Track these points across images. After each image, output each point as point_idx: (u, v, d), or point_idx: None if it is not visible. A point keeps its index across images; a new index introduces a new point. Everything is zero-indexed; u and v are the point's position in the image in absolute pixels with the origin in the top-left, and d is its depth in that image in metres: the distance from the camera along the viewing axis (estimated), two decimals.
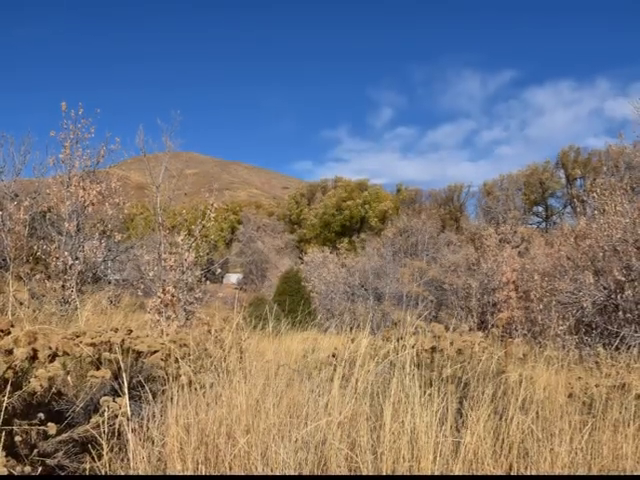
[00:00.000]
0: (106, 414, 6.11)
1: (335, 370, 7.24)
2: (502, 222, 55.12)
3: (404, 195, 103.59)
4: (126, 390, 6.51)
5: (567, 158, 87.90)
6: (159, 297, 16.27)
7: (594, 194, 22.78)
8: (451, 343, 8.93)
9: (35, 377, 5.86)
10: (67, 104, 19.58)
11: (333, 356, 9.34)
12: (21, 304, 15.59)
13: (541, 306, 25.68)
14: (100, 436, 5.85)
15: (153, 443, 6.12)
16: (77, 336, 7.33)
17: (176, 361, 7.77)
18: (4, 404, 5.43)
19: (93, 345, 7.26)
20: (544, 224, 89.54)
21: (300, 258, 72.95)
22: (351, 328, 9.76)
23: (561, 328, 21.90)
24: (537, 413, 6.94)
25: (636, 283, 19.91)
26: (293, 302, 32.45)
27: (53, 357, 6.28)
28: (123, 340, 7.67)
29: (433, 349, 8.84)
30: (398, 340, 8.71)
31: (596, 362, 11.91)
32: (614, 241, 20.75)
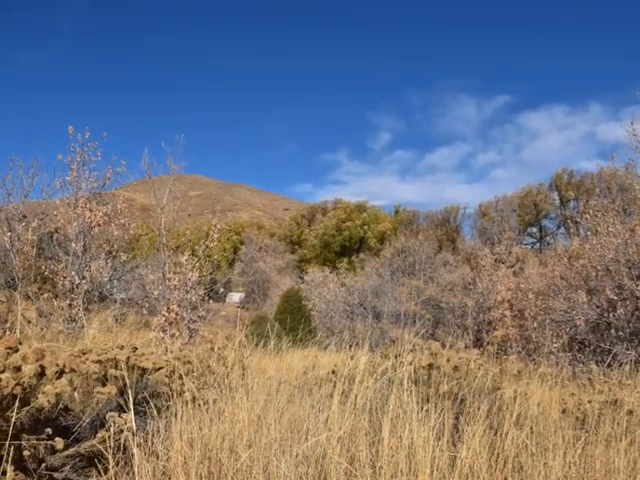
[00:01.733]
0: (112, 429, 6.12)
1: (335, 386, 7.24)
2: (497, 243, 55.11)
3: (402, 216, 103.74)
4: (131, 406, 6.52)
5: (561, 180, 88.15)
6: (164, 315, 16.28)
7: (587, 215, 22.85)
8: (448, 360, 8.93)
9: (43, 393, 5.87)
10: (74, 128, 19.67)
11: (333, 373, 9.34)
12: (29, 322, 15.59)
13: (535, 324, 25.75)
14: (106, 450, 5.86)
15: (158, 457, 6.12)
16: (84, 353, 7.35)
17: (180, 378, 7.80)
18: (13, 419, 5.44)
19: (99, 362, 7.28)
20: (538, 244, 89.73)
21: (301, 278, 72.98)
22: (350, 346, 9.77)
23: (555, 345, 21.94)
24: (531, 428, 6.94)
25: (628, 302, 19.94)
26: (294, 320, 32.45)
27: (60, 374, 6.28)
28: (128, 357, 7.68)
29: (430, 366, 8.84)
30: (396, 357, 8.73)
31: (589, 379, 11.93)
32: (606, 261, 20.80)
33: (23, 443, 5.71)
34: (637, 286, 19.36)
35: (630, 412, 8.16)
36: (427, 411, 6.48)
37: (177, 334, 16.55)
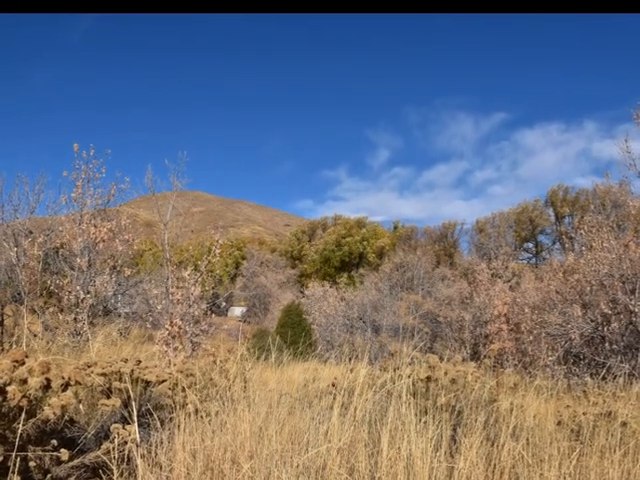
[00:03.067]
0: (116, 440, 6.13)
1: (335, 399, 7.25)
2: (494, 258, 55.20)
3: (401, 232, 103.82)
4: (135, 418, 6.53)
5: (556, 197, 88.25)
6: (167, 329, 16.34)
7: (582, 231, 22.95)
8: (445, 373, 8.95)
9: (49, 405, 5.88)
10: (79, 146, 19.79)
11: (333, 385, 9.36)
12: (35, 336, 15.61)
13: (531, 338, 25.76)
14: (110, 462, 5.87)
15: (161, 468, 6.13)
16: (88, 366, 7.37)
17: (183, 390, 7.81)
18: (19, 431, 5.45)
19: (104, 375, 7.30)
20: (534, 260, 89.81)
21: (301, 292, 72.97)
22: (350, 359, 9.77)
23: (550, 359, 21.97)
24: (527, 440, 6.94)
25: (622, 316, 19.97)
26: (295, 334, 32.45)
27: (66, 386, 6.30)
28: (132, 370, 7.70)
29: (428, 379, 8.86)
30: (395, 370, 8.74)
31: (584, 391, 11.95)
32: (601, 276, 20.84)
33: (29, 454, 5.73)
34: (631, 300, 19.39)
35: (624, 424, 8.17)
36: (425, 423, 6.49)
37: (180, 347, 16.62)
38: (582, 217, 36.74)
